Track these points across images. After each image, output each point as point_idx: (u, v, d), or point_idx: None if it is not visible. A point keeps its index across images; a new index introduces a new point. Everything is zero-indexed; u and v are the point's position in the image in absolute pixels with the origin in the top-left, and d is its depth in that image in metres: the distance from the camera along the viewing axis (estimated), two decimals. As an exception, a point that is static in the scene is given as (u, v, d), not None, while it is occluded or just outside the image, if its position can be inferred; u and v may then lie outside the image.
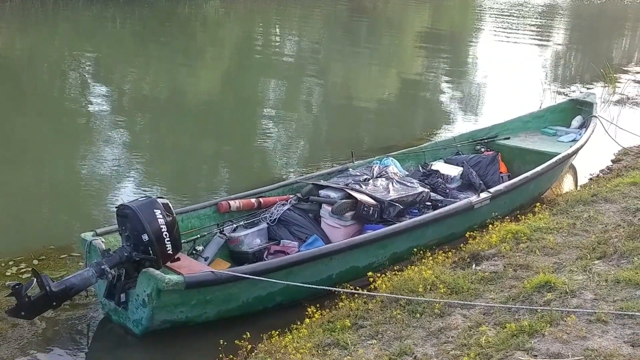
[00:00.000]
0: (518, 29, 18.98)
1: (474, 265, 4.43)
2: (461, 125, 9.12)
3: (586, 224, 5.06)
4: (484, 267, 4.34)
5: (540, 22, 21.33)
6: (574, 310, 3.36)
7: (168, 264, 3.98)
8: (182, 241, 4.23)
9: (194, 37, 16.93)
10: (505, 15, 21.82)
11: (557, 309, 3.39)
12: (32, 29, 15.67)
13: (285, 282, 4.01)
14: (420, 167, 6.29)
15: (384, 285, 4.16)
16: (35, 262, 4.76)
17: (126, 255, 3.83)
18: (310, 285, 4.12)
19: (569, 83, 12.24)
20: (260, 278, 3.96)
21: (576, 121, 7.92)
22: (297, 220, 5.02)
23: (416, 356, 3.25)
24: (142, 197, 4.23)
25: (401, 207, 5.11)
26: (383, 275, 4.32)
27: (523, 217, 5.37)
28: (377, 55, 14.86)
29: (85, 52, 13.30)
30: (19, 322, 3.94)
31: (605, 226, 4.93)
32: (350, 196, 5.04)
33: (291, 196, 5.32)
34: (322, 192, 5.20)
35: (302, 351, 3.34)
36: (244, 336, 3.56)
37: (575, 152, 6.81)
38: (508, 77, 12.58)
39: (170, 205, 4.00)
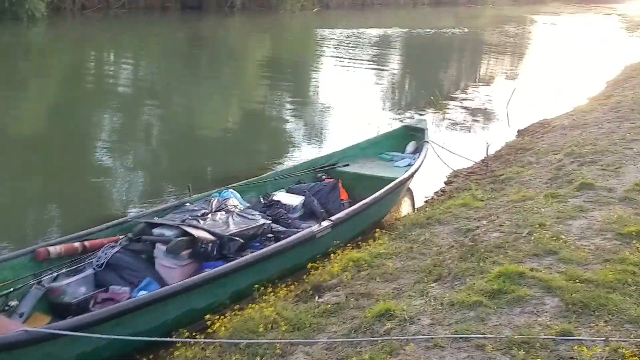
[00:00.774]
0: (356, 58, 19.64)
1: (316, 298, 4.36)
2: (303, 154, 9.16)
3: (423, 247, 5.19)
4: (327, 298, 4.29)
5: (376, 51, 22.24)
6: (412, 337, 3.36)
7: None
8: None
9: (16, 66, 15.88)
10: (343, 45, 22.53)
11: (396, 337, 3.37)
12: None
13: (109, 337, 3.61)
14: (262, 198, 6.21)
15: (223, 328, 3.97)
16: None
17: None
18: (137, 338, 3.77)
19: (403, 109, 12.76)
20: (80, 334, 3.54)
21: (410, 146, 8.23)
22: (128, 263, 4.68)
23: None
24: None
25: (242, 241, 4.97)
26: (223, 316, 4.13)
27: (364, 243, 5.42)
28: (219, 85, 14.70)
29: None
30: None
31: (440, 248, 5.07)
32: (186, 233, 4.81)
33: (121, 237, 4.96)
34: (156, 231, 4.91)
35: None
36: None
37: (410, 177, 7.04)
38: (347, 104, 12.93)
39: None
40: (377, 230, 5.96)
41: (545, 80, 17.22)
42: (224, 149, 9.79)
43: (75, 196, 7.46)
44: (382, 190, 6.25)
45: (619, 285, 3.95)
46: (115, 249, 4.77)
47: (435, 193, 7.88)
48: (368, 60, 19.62)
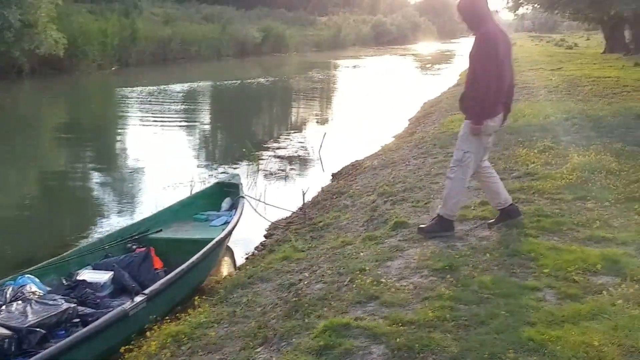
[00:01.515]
0: (162, 116, 19.32)
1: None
2: (111, 224, 8.67)
3: (246, 309, 5.07)
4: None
5: (183, 106, 22.07)
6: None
7: None
8: None
9: None
10: (148, 103, 22.11)
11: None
12: None
13: None
14: (64, 280, 5.73)
15: None
16: None
17: None
18: None
19: (216, 165, 12.67)
20: None
21: (226, 203, 8.15)
22: None
23: None
24: None
25: (44, 331, 4.54)
26: None
27: (184, 314, 5.19)
28: (10, 157, 13.68)
29: None
30: None
31: (264, 308, 4.98)
32: (-23, 332, 4.31)
33: None
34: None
35: None
36: None
37: (228, 235, 6.93)
38: (156, 165, 12.59)
39: None
40: (197, 297, 5.75)
41: (353, 122, 18.05)
42: (18, 228, 8.95)
43: None
44: (199, 254, 6.07)
45: (438, 322, 4.10)
46: None
47: (256, 248, 7.82)
48: (175, 117, 19.40)
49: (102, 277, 5.71)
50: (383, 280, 4.98)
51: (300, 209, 9.00)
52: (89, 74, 30.57)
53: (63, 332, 4.71)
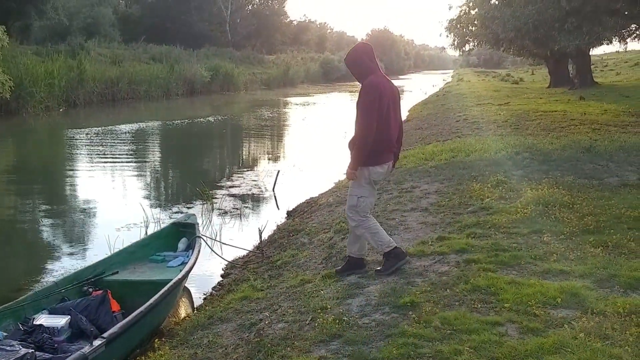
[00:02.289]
0: (112, 156, 19.10)
1: None
2: (65, 267, 8.50)
3: (207, 350, 5.04)
4: None
5: (133, 147, 21.84)
6: None
7: None
8: None
9: None
10: (97, 144, 21.85)
11: None
12: None
13: None
14: (21, 325, 5.58)
15: None
16: None
17: None
18: None
19: (171, 205, 12.56)
20: None
21: (182, 243, 8.09)
22: None
23: None
24: None
25: (1, 380, 4.42)
26: None
27: (144, 357, 5.11)
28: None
29: None
30: None
31: (225, 349, 4.96)
32: None
33: None
34: None
35: None
36: None
37: (185, 276, 6.88)
38: (108, 206, 12.45)
39: None
40: (157, 339, 5.68)
41: (305, 159, 18.15)
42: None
43: None
44: (157, 295, 6.01)
45: (403, 360, 4.14)
46: None
47: (214, 288, 7.77)
48: (126, 157, 19.19)
49: (59, 321, 5.59)
50: (345, 318, 5.02)
51: (257, 247, 9.00)
52: (36, 115, 30.09)
53: (20, 379, 4.59)
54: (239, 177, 15.55)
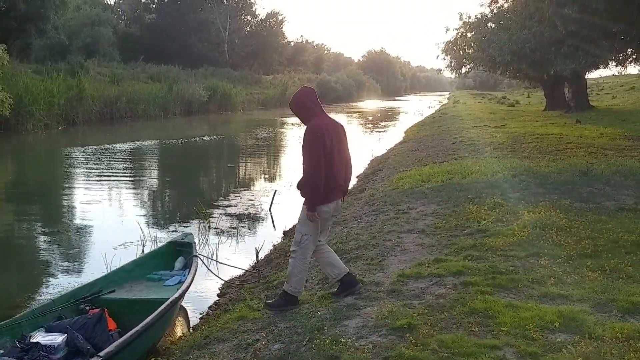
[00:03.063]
0: (110, 175, 19.09)
1: None
2: (62, 284, 8.46)
3: (204, 371, 4.99)
4: None
5: (131, 165, 21.89)
6: None
7: None
8: None
9: None
10: (95, 162, 21.86)
11: None
12: None
13: None
14: (17, 343, 5.56)
15: None
16: None
17: None
18: None
19: (168, 223, 12.54)
20: None
21: (179, 262, 8.08)
22: None
23: None
24: None
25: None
26: None
27: (140, 377, 5.07)
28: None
29: None
30: None
31: (223, 370, 4.92)
32: None
33: None
34: None
35: None
36: None
37: (182, 295, 6.86)
38: (106, 224, 12.41)
39: None
40: (153, 358, 5.65)
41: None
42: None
43: None
44: (154, 314, 5.99)
45: (400, 382, 4.12)
46: None
47: (210, 308, 7.74)
48: (124, 176, 19.19)
49: (56, 339, 5.56)
50: (342, 339, 5.00)
51: (254, 267, 8.98)
52: (35, 133, 30.15)
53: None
54: (235, 196, 15.54)
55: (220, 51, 78.64)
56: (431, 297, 5.88)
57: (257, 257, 9.23)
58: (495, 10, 27.89)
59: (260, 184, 18.17)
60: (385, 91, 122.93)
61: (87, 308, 6.47)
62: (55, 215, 13.99)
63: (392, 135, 32.29)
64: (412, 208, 10.31)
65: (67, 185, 17.70)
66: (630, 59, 27.48)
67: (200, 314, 7.59)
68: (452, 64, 32.46)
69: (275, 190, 14.09)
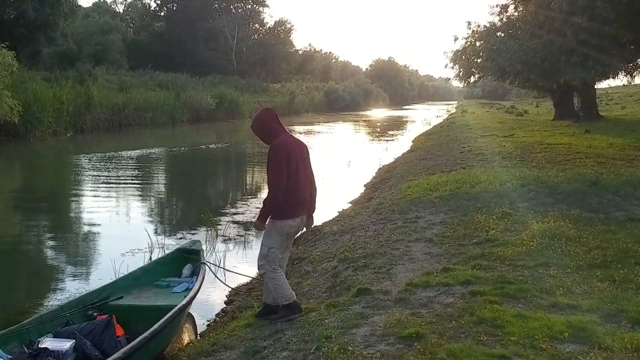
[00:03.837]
0: (118, 182, 19.19)
1: None
2: (70, 290, 8.51)
3: (212, 378, 5.00)
4: None
5: (139, 172, 21.97)
6: None
7: None
8: None
9: None
10: (103, 169, 21.98)
11: None
12: None
13: None
14: (25, 348, 5.59)
15: None
16: None
17: None
18: None
19: (175, 231, 12.57)
20: None
21: (187, 269, 8.10)
22: None
23: None
24: None
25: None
26: None
27: (147, 384, 5.08)
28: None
29: None
30: None
31: (230, 377, 4.93)
32: None
33: None
34: None
35: None
36: None
37: (190, 302, 6.88)
38: (114, 231, 12.46)
39: None
40: (160, 365, 5.68)
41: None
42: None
43: None
44: (161, 321, 6.01)
45: (408, 391, 4.11)
46: None
47: (217, 315, 7.76)
48: (132, 183, 19.26)
49: (64, 345, 5.59)
50: (350, 347, 5.00)
51: (261, 275, 8.97)
52: (43, 140, 30.33)
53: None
54: (243, 204, 15.57)
55: (228, 59, 78.95)
56: (439, 306, 5.87)
57: (265, 264, 9.22)
58: (504, 20, 27.87)
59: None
60: (393, 100, 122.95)
61: (95, 314, 6.49)
62: (63, 222, 14.05)
63: (400, 144, 32.29)
64: (420, 217, 10.31)
65: (75, 192, 17.79)
66: (640, 68, 27.42)
67: (208, 321, 7.61)
68: (461, 73, 32.38)
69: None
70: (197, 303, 7.57)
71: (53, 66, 45.27)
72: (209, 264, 8.27)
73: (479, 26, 29.32)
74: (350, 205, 14.62)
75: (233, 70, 75.67)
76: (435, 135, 33.46)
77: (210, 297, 8.38)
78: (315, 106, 78.08)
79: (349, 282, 7.15)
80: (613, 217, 9.41)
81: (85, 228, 12.96)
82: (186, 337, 7.15)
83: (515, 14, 26.83)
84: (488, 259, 7.33)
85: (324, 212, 13.59)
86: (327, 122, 57.61)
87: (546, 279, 6.46)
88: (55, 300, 8.12)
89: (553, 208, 9.91)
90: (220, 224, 12.45)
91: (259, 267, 6.46)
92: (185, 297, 6.94)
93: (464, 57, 31.12)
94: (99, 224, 12.95)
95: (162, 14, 78.85)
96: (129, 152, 26.86)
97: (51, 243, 11.97)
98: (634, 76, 29.23)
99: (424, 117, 61.61)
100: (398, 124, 56.72)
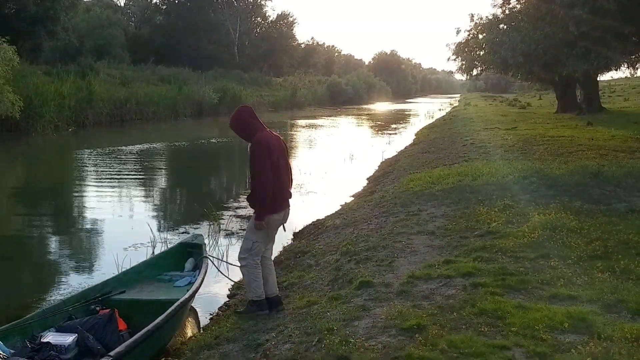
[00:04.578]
0: (122, 176, 19.23)
1: None
2: (73, 285, 8.55)
3: (214, 370, 5.04)
4: None
5: (141, 167, 22.00)
6: None
7: None
8: None
9: None
10: (106, 164, 22.05)
11: None
12: None
13: None
14: (28, 342, 5.62)
15: None
16: None
17: None
18: None
19: (178, 225, 12.60)
20: None
21: (189, 264, 8.13)
22: None
23: None
24: None
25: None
26: None
27: (150, 376, 5.12)
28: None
29: None
30: None
31: (233, 369, 4.97)
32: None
33: None
34: None
35: None
36: None
37: (192, 296, 6.92)
38: (116, 225, 12.51)
39: None
40: (163, 358, 5.71)
41: (312, 181, 18.15)
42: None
43: None
44: (164, 315, 6.05)
45: (409, 382, 4.15)
46: None
47: (220, 309, 7.80)
48: (134, 178, 19.31)
49: (66, 339, 5.62)
50: (351, 339, 5.03)
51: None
52: (45, 135, 30.34)
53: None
54: (245, 198, 15.59)
55: (231, 53, 78.86)
56: (441, 298, 5.91)
57: (267, 258, 9.26)
58: (507, 12, 27.79)
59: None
60: (396, 93, 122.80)
61: (98, 308, 6.52)
62: (65, 217, 14.10)
63: (403, 138, 32.32)
64: (423, 210, 10.34)
65: (77, 187, 17.84)
66: (642, 60, 27.32)
67: (210, 314, 7.65)
68: (464, 66, 32.33)
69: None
70: (199, 297, 7.61)
71: (54, 60, 45.32)
72: (211, 257, 8.30)
73: (481, 18, 29.23)
74: (352, 198, 14.65)
75: (235, 64, 75.56)
76: (438, 128, 33.44)
77: (212, 291, 8.42)
78: (318, 100, 78.00)
79: (351, 275, 7.18)
80: (614, 208, 9.42)
81: (88, 223, 13.01)
82: (189, 331, 7.19)
83: (518, 6, 26.73)
84: (489, 251, 7.36)
85: (327, 205, 13.64)
86: (330, 115, 57.64)
87: (547, 271, 6.48)
88: (57, 294, 8.16)
89: (554, 200, 9.92)
90: (222, 218, 12.48)
91: (241, 259, 6.52)
92: (187, 291, 6.96)
93: (466, 50, 31.07)
94: (101, 219, 13.00)
95: (164, 7, 78.67)
96: (131, 146, 26.89)
97: (53, 238, 12.02)
98: (637, 68, 29.10)
99: (427, 110, 61.56)
100: (401, 118, 56.71)
